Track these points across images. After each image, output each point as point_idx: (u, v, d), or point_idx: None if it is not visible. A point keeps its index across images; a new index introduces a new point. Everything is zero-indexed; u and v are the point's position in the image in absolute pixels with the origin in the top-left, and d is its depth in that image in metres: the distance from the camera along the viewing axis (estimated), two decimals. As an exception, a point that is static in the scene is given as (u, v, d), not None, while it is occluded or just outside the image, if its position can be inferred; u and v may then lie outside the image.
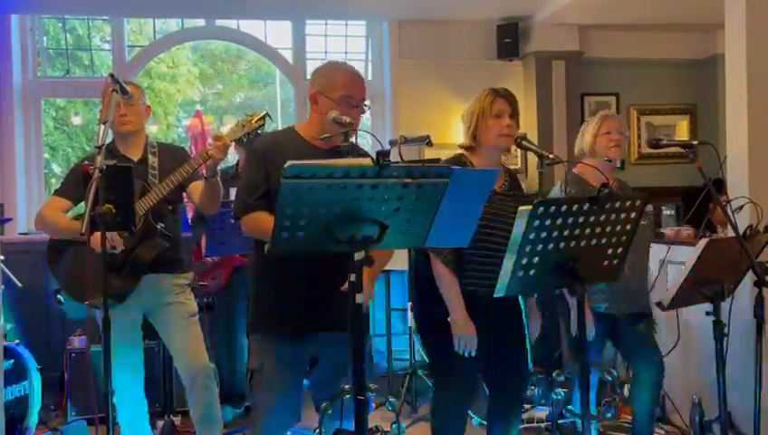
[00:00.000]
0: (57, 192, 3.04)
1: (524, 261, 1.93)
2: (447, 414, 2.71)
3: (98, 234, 2.25)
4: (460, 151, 2.71)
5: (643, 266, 3.06)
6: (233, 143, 2.85)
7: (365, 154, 2.48)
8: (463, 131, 2.70)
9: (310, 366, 2.50)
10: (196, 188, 2.95)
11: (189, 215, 4.26)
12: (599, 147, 3.02)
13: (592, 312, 2.87)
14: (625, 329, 3.01)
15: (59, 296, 3.12)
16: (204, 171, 2.84)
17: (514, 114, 2.62)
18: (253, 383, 2.42)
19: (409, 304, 4.24)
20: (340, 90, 2.35)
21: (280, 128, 2.65)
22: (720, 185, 3.30)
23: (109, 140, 3.10)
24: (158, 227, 2.93)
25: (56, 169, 6.97)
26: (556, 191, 3.03)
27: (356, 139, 2.49)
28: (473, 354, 2.54)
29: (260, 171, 2.35)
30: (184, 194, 3.06)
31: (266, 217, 2.26)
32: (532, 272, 1.96)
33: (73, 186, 2.95)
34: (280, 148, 2.36)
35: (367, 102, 2.43)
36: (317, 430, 2.36)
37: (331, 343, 2.32)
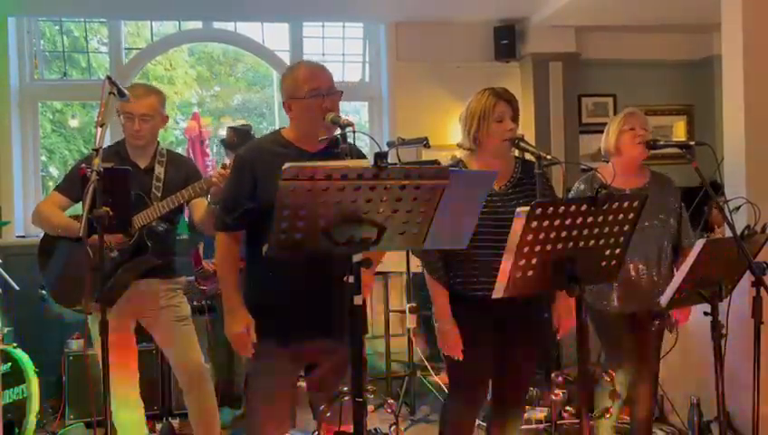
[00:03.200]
0: (57, 188, 3.05)
1: (522, 262, 1.93)
2: (461, 414, 2.72)
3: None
4: (457, 157, 2.71)
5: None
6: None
7: (362, 155, 2.47)
8: (462, 133, 2.67)
9: (307, 370, 2.50)
10: (198, 206, 2.94)
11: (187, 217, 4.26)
12: (623, 145, 3.01)
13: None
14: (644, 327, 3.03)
15: (42, 292, 3.12)
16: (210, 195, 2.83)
17: (515, 116, 2.60)
18: (248, 388, 2.42)
19: (408, 305, 4.25)
20: (305, 86, 2.32)
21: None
22: (716, 187, 3.30)
23: (118, 139, 3.12)
24: (150, 245, 2.94)
25: (53, 171, 6.95)
26: (579, 190, 3.07)
27: (354, 141, 2.47)
28: (459, 358, 2.56)
29: (244, 182, 2.34)
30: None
31: (226, 250, 2.38)
32: (530, 273, 1.96)
33: (74, 184, 2.95)
34: (267, 154, 2.34)
35: (340, 89, 2.38)
36: (315, 433, 2.36)
37: (328, 347, 2.32)
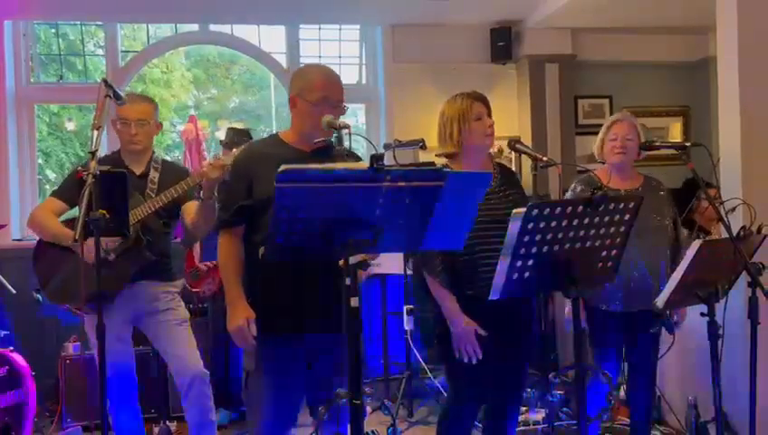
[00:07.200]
0: (54, 193, 3.07)
1: (519, 263, 1.93)
2: (463, 415, 2.72)
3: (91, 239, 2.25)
4: (441, 163, 2.70)
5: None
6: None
7: (358, 157, 2.49)
8: (442, 139, 2.71)
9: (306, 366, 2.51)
10: (189, 208, 2.92)
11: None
12: (606, 152, 3.12)
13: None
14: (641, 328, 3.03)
15: (37, 295, 3.13)
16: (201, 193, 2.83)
17: (490, 114, 2.69)
18: (248, 385, 2.44)
19: (405, 307, 4.25)
20: (317, 92, 2.35)
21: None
22: (693, 184, 3.32)
23: (115, 149, 3.15)
24: (145, 240, 2.94)
25: (50, 174, 6.95)
26: (575, 192, 3.12)
27: (350, 143, 2.48)
28: (474, 361, 2.55)
29: (239, 184, 2.37)
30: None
31: (227, 246, 2.40)
32: (527, 274, 1.96)
33: (71, 188, 2.96)
34: (264, 156, 2.37)
35: (345, 104, 2.42)
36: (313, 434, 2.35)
37: (322, 344, 2.34)
